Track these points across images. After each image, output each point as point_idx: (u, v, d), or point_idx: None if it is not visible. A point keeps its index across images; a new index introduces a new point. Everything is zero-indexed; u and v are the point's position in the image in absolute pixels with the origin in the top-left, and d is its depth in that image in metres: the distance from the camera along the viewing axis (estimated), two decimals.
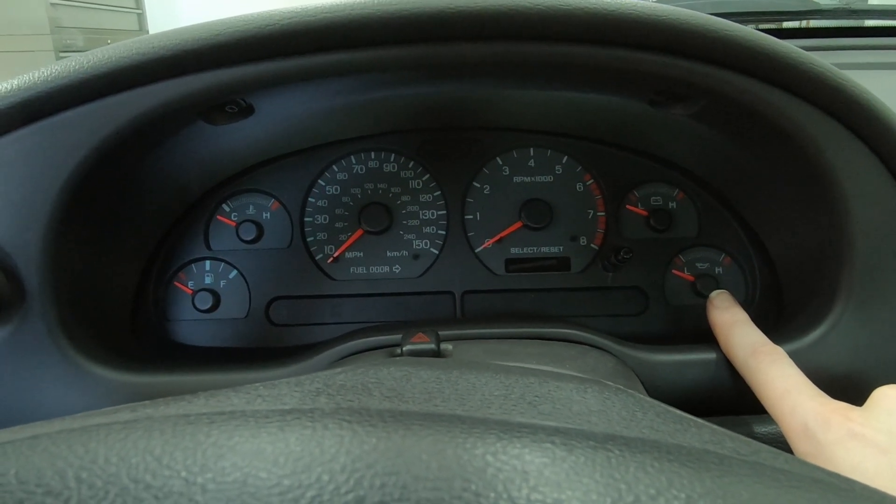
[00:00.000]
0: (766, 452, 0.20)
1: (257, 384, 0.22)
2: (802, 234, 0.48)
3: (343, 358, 0.46)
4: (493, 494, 0.15)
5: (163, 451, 0.16)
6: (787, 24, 1.10)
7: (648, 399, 0.25)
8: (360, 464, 0.16)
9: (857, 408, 0.35)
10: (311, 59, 0.38)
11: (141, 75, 0.38)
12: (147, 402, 0.21)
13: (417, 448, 0.16)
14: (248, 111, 0.43)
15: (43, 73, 0.38)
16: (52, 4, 3.46)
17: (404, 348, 0.39)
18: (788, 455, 0.21)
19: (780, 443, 0.45)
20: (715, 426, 0.22)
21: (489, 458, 0.16)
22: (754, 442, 0.21)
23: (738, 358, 0.44)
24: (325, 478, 0.15)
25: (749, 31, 0.38)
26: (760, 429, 0.47)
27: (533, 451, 0.17)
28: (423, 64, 0.40)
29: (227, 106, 0.42)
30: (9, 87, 0.37)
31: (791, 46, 0.39)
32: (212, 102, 0.40)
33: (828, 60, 0.39)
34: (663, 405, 0.25)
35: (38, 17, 3.39)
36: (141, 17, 4.31)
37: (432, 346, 0.39)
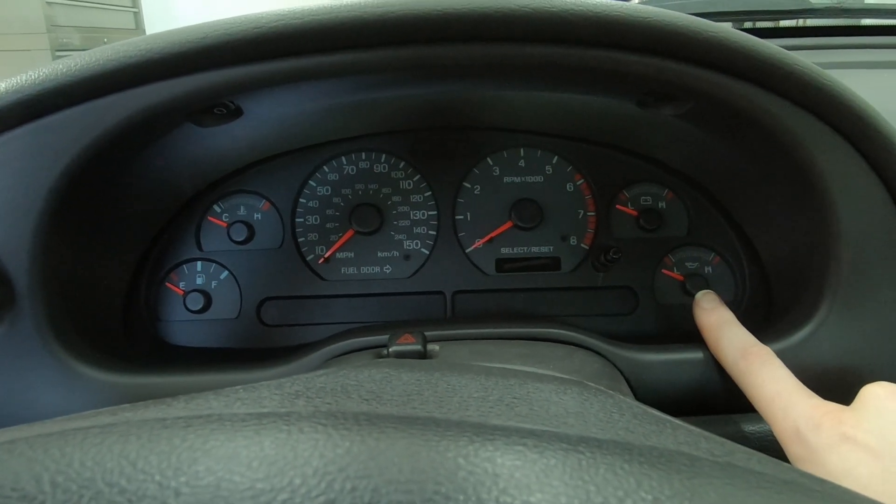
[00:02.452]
0: (740, 453, 0.21)
1: (238, 387, 0.22)
2: (790, 233, 0.48)
3: (332, 358, 0.46)
4: (462, 497, 0.15)
5: (138, 455, 0.16)
6: (781, 23, 1.10)
7: (628, 400, 0.25)
8: (332, 467, 0.16)
9: (848, 409, 0.35)
10: (298, 62, 0.38)
11: (129, 78, 0.38)
12: (128, 405, 0.21)
13: (391, 451, 0.17)
14: (236, 113, 0.43)
15: (32, 76, 0.38)
16: (48, 3, 3.46)
17: (390, 349, 0.40)
18: (762, 455, 0.21)
19: (769, 441, 0.46)
20: (692, 427, 0.23)
21: (461, 460, 0.16)
22: (729, 443, 0.22)
23: (727, 360, 0.44)
24: (298, 481, 0.15)
25: (734, 32, 0.39)
26: (749, 427, 0.47)
27: (504, 453, 0.17)
28: (412, 66, 0.40)
29: (215, 108, 0.42)
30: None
31: (774, 46, 0.39)
32: (200, 105, 0.40)
33: (822, 59, 0.40)
34: (642, 406, 0.25)
35: (34, 15, 3.39)
36: (137, 16, 4.30)
37: (418, 346, 0.39)
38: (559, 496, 0.16)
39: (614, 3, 0.38)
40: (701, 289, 0.56)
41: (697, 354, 0.47)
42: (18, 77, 0.38)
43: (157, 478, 0.15)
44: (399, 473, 0.16)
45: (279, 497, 0.15)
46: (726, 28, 0.39)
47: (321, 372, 0.25)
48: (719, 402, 0.47)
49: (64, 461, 0.16)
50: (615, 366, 0.46)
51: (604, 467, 0.17)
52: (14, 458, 0.16)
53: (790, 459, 0.36)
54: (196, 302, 0.55)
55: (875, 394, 0.35)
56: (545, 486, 0.16)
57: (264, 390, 0.22)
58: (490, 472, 0.16)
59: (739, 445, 0.22)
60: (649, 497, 0.16)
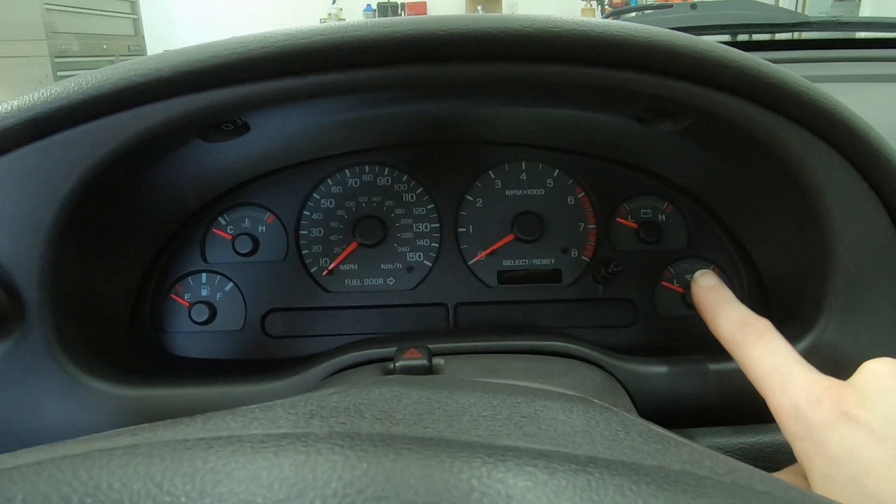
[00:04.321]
0: (743, 471, 0.21)
1: (253, 406, 0.23)
2: (788, 247, 0.49)
3: (337, 371, 0.46)
4: None
5: (163, 477, 0.17)
6: (777, 36, 1.11)
7: (632, 417, 0.26)
8: (350, 489, 0.16)
9: (849, 385, 0.34)
10: (305, 80, 0.39)
11: (138, 96, 0.38)
12: (146, 425, 0.21)
13: (406, 472, 0.17)
14: (244, 129, 0.44)
15: (43, 93, 0.38)
16: (48, 9, 3.47)
17: (397, 364, 0.40)
18: (763, 474, 0.22)
19: (769, 453, 0.46)
20: (694, 445, 0.23)
21: (474, 482, 0.17)
22: (731, 460, 0.22)
23: (724, 334, 0.42)
24: (318, 503, 0.16)
25: (733, 51, 0.39)
26: (749, 439, 0.48)
27: (516, 474, 0.17)
28: (416, 84, 0.41)
29: (223, 124, 0.43)
30: (9, 108, 0.38)
31: (768, 63, 0.39)
32: (208, 121, 0.41)
33: (818, 73, 0.40)
34: (646, 423, 0.26)
35: (33, 22, 3.40)
36: (136, 22, 4.31)
37: (424, 361, 0.40)
38: None
39: (614, 22, 0.39)
40: None
41: (698, 366, 0.47)
42: (29, 95, 0.39)
43: (183, 499, 0.16)
44: (415, 495, 0.16)
45: None
46: (719, 45, 0.39)
47: (332, 390, 0.25)
48: (720, 414, 0.48)
49: (92, 483, 0.16)
50: (617, 379, 0.47)
51: (612, 488, 0.17)
52: (42, 479, 0.17)
53: (787, 437, 0.35)
54: (201, 313, 0.56)
55: (877, 371, 0.33)
56: None
57: (279, 410, 0.22)
58: (503, 494, 0.17)
59: (742, 463, 0.22)
60: None
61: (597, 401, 0.28)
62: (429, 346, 0.43)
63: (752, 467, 0.22)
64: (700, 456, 0.22)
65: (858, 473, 0.30)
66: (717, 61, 0.39)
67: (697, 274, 0.49)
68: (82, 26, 3.74)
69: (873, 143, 0.40)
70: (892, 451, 0.30)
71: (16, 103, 0.38)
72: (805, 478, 0.34)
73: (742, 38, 1.08)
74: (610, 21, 0.40)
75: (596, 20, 0.40)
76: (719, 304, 0.44)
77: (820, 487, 0.32)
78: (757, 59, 0.39)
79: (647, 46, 0.38)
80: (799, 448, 0.34)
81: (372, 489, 0.16)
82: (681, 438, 0.24)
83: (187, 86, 0.38)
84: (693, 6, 0.96)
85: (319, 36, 0.38)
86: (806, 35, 1.04)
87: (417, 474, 0.17)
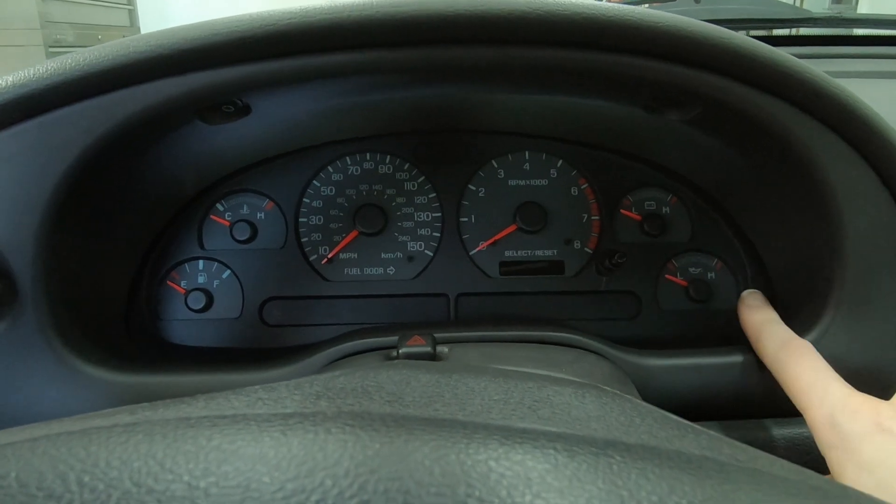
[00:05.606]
0: (764, 459, 0.20)
1: (256, 387, 0.22)
2: (795, 240, 0.49)
3: (337, 360, 0.46)
4: (497, 500, 0.15)
5: (165, 455, 0.16)
6: (777, 32, 1.11)
7: (645, 404, 0.25)
8: (363, 468, 0.16)
9: (887, 402, 0.35)
10: (308, 60, 0.38)
11: (138, 73, 0.37)
12: (145, 404, 0.21)
13: (420, 453, 0.16)
14: (244, 111, 0.43)
15: (39, 69, 0.37)
16: None
17: (400, 351, 0.39)
18: (785, 462, 0.21)
19: (772, 449, 0.46)
20: (712, 432, 0.23)
21: (492, 463, 0.16)
22: (751, 448, 0.21)
23: (767, 352, 0.44)
24: (329, 482, 0.15)
25: (744, 39, 0.39)
26: (750, 434, 0.47)
27: (535, 457, 0.17)
28: (421, 66, 0.40)
29: (224, 106, 0.42)
30: (3, 84, 0.37)
31: (786, 55, 0.39)
32: (209, 102, 0.40)
33: (819, 69, 0.40)
34: (660, 411, 0.25)
35: (28, 11, 3.36)
36: (132, 13, 4.28)
37: (428, 349, 0.39)
38: (592, 500, 0.15)
39: (625, 6, 0.38)
40: (704, 294, 0.56)
41: (701, 360, 0.47)
42: (24, 71, 0.38)
43: (186, 478, 0.15)
44: (430, 476, 0.16)
45: (311, 498, 0.15)
46: (741, 35, 0.39)
47: (338, 373, 0.24)
48: (722, 409, 0.47)
49: (90, 460, 0.15)
50: (622, 370, 0.46)
51: (636, 472, 0.16)
52: (37, 456, 0.16)
53: (820, 447, 0.36)
54: (198, 301, 0.55)
55: None
56: (578, 491, 0.16)
57: (284, 390, 0.21)
58: (523, 476, 0.16)
59: (760, 451, 0.22)
60: (684, 502, 0.16)
61: (607, 388, 0.28)
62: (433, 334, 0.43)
63: (771, 455, 0.21)
64: (719, 443, 0.21)
65: (889, 479, 0.32)
66: (731, 48, 0.38)
67: (745, 294, 0.51)
68: (77, 16, 3.71)
69: (887, 136, 0.40)
70: None
71: (10, 79, 0.37)
72: None
73: (742, 33, 1.07)
74: (623, 5, 0.39)
75: (609, 3, 0.39)
76: (764, 324, 0.46)
77: None
78: (771, 48, 0.39)
79: (660, 32, 0.38)
80: (832, 457, 0.35)
81: (385, 469, 0.16)
82: (697, 426, 0.23)
83: (188, 64, 0.37)
84: (696, 0, 0.95)
85: (323, 15, 0.37)
86: (806, 31, 1.04)
87: (432, 455, 0.16)
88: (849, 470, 0.33)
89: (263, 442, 0.17)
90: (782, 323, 0.46)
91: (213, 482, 0.15)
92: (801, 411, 0.39)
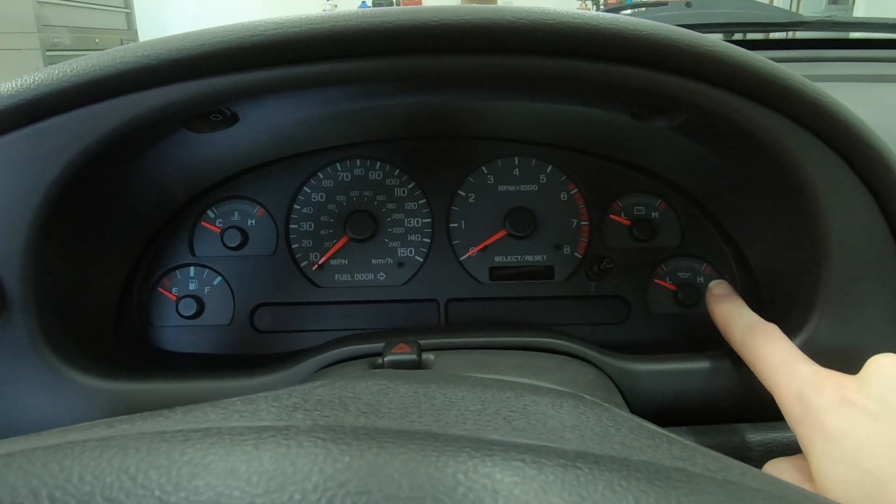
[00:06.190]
0: (735, 468, 0.21)
1: (235, 399, 0.22)
2: (781, 245, 0.49)
3: (326, 366, 0.46)
4: None
5: (137, 470, 0.16)
6: (771, 36, 1.11)
7: (623, 413, 0.25)
8: (332, 483, 0.16)
9: (852, 376, 0.36)
10: (295, 70, 0.38)
11: (125, 84, 0.38)
12: (124, 417, 0.21)
13: (390, 467, 0.17)
14: (232, 120, 0.43)
15: (27, 80, 0.38)
16: (39, 2, 3.43)
17: (385, 359, 0.40)
18: (756, 471, 0.21)
19: (759, 452, 0.46)
20: (686, 441, 0.23)
21: (460, 476, 0.16)
22: (723, 457, 0.22)
23: (735, 336, 0.45)
24: (298, 497, 0.15)
25: (728, 46, 0.39)
26: (738, 438, 0.47)
27: (503, 469, 0.17)
28: (409, 76, 0.40)
29: (211, 115, 0.42)
30: None
31: (764, 59, 0.39)
32: (196, 111, 0.40)
33: (812, 72, 0.40)
34: (637, 419, 0.25)
35: (25, 15, 3.36)
36: (129, 17, 4.28)
37: (413, 356, 0.39)
38: None
39: (609, 15, 0.39)
40: (693, 299, 0.56)
41: (690, 365, 0.47)
42: (13, 81, 0.38)
43: (157, 493, 0.15)
44: (398, 490, 0.16)
45: None
46: (720, 42, 0.39)
47: (318, 383, 0.25)
48: (711, 413, 0.47)
49: (63, 475, 0.16)
50: (608, 376, 0.46)
51: (602, 484, 0.17)
52: (12, 472, 0.16)
53: (789, 423, 0.37)
54: (189, 308, 0.55)
55: (880, 363, 0.35)
56: (544, 503, 0.16)
57: (262, 402, 0.21)
58: (489, 489, 0.16)
59: (734, 460, 0.22)
60: None
61: (588, 396, 0.28)
62: (419, 341, 0.43)
63: (744, 465, 0.22)
64: (692, 453, 0.22)
65: (854, 450, 0.32)
66: (714, 57, 0.38)
67: (712, 284, 0.52)
68: (74, 19, 3.71)
69: (870, 141, 0.40)
70: (886, 428, 0.32)
71: None
72: (799, 469, 0.36)
73: (737, 37, 1.08)
74: (606, 14, 0.39)
75: (593, 13, 0.39)
76: (731, 311, 0.47)
77: (817, 465, 0.34)
78: (753, 55, 0.39)
79: (643, 40, 0.38)
80: (800, 431, 0.36)
81: (354, 483, 0.16)
82: (672, 435, 0.23)
83: (175, 74, 0.38)
84: (688, 4, 0.95)
85: (309, 25, 0.37)
86: (800, 34, 1.04)
87: (401, 468, 0.17)
88: (817, 443, 0.34)
89: (235, 456, 0.17)
90: (748, 308, 0.47)
91: (183, 497, 0.15)
92: (770, 391, 0.40)
